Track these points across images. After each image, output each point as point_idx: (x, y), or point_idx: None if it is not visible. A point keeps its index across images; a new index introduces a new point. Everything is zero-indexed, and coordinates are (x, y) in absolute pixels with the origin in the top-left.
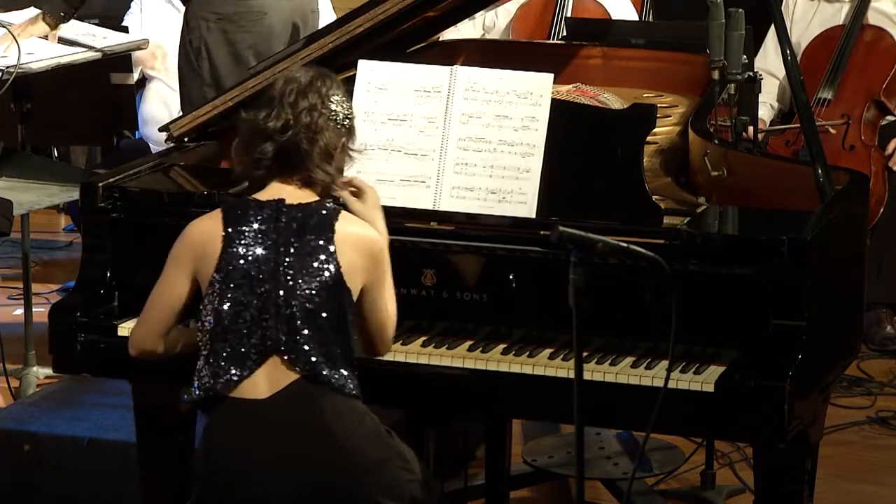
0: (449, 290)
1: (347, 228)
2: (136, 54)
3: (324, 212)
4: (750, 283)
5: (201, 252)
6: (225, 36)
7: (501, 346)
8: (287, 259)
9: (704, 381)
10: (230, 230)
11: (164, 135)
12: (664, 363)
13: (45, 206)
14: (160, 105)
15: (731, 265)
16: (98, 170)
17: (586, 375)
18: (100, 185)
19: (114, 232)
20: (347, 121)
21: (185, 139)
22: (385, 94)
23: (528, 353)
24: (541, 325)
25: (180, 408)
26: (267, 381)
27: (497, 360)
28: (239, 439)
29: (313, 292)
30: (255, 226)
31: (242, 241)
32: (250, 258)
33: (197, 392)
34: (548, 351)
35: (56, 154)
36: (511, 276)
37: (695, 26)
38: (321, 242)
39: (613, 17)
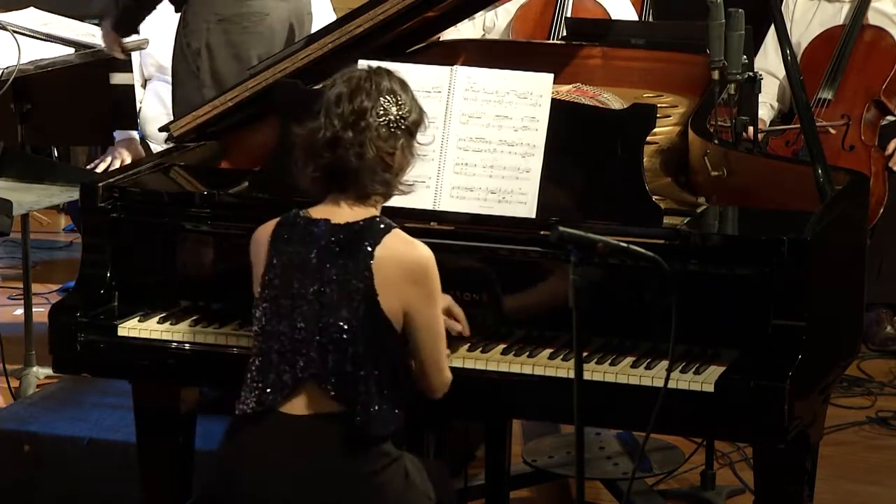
0: (449, 291)
1: (391, 246)
2: (143, 62)
3: (370, 231)
4: (750, 283)
5: (254, 264)
6: (227, 37)
7: (501, 346)
8: (325, 286)
9: (704, 381)
10: (273, 255)
11: (164, 135)
12: (664, 363)
13: (45, 206)
14: (160, 105)
15: (731, 265)
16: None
17: (586, 375)
18: (100, 185)
19: (114, 232)
20: (403, 121)
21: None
22: None
23: (528, 353)
24: (541, 325)
25: (180, 408)
26: (304, 403)
27: (497, 360)
28: (263, 445)
29: (350, 323)
30: (298, 250)
31: (282, 268)
32: (290, 287)
33: (240, 407)
34: (548, 351)
35: (56, 154)
36: (511, 277)
37: (695, 26)
38: (359, 266)
39: (613, 17)
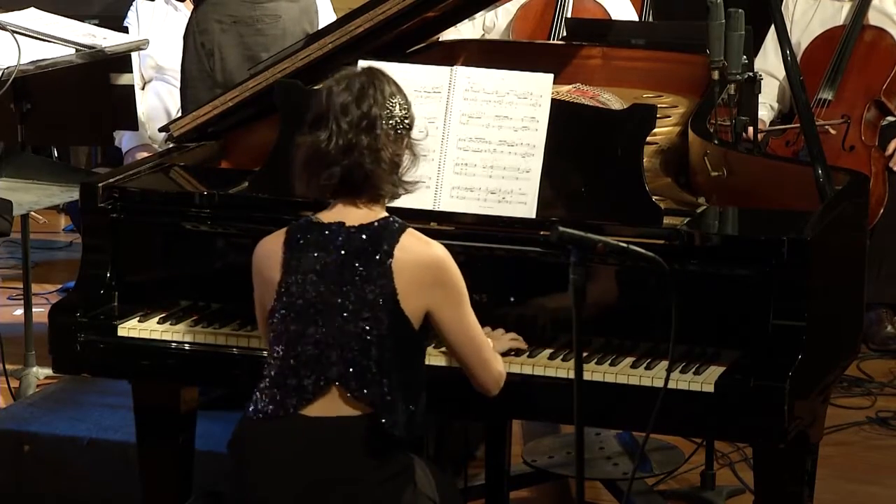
0: None
1: (408, 247)
2: (142, 64)
3: (386, 232)
4: (750, 283)
5: (263, 277)
6: (240, 39)
7: None
8: (345, 289)
9: (704, 381)
10: (290, 260)
11: (163, 134)
12: (664, 363)
13: (45, 206)
14: (160, 105)
15: (731, 265)
16: (98, 170)
17: (586, 375)
18: (100, 185)
19: (114, 232)
20: (405, 121)
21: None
22: None
23: (528, 353)
24: (541, 325)
25: (180, 408)
26: (325, 406)
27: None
28: (280, 447)
29: (370, 325)
30: (315, 254)
31: (301, 273)
32: (309, 292)
33: (251, 410)
34: (548, 351)
35: (56, 154)
36: (511, 277)
37: (695, 26)
38: (379, 268)
39: (613, 18)
